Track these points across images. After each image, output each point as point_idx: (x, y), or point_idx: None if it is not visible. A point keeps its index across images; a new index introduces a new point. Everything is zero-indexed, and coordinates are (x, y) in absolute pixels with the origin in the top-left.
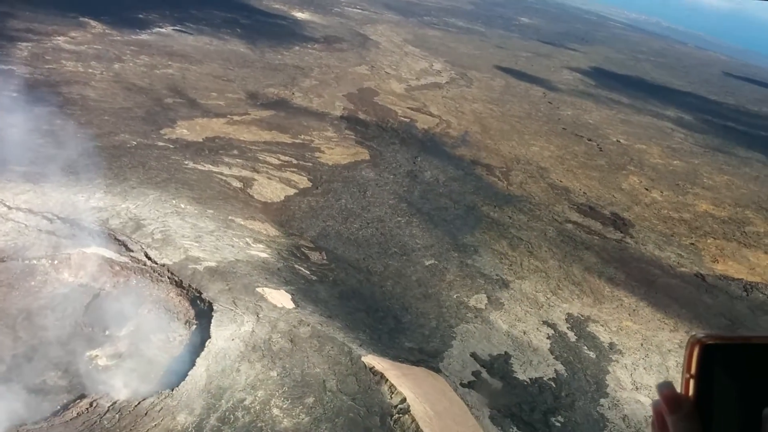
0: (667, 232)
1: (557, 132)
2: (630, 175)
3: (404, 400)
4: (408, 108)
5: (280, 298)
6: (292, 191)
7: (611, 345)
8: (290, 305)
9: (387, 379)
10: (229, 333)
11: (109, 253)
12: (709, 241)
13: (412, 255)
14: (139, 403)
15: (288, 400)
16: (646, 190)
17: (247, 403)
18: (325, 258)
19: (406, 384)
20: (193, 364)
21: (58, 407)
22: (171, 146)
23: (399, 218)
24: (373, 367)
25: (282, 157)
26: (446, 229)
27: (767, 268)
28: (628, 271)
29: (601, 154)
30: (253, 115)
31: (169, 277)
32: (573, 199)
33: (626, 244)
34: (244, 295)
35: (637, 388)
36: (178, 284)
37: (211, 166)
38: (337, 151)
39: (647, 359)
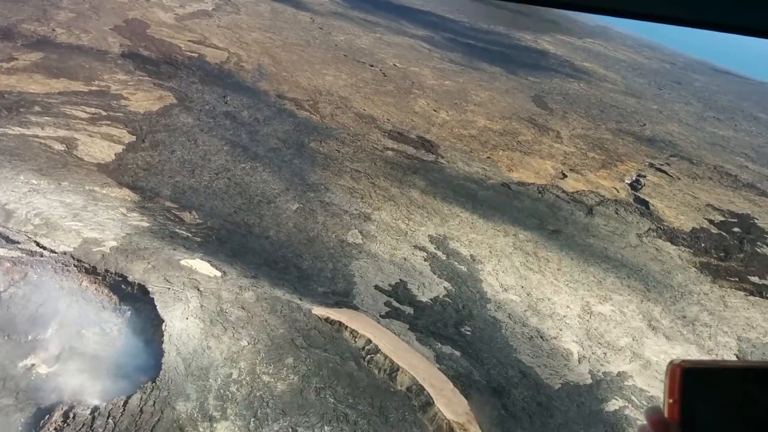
0: (466, 149)
1: (341, 59)
2: (417, 98)
3: (369, 341)
4: (190, 41)
5: (204, 266)
6: (119, 147)
7: (472, 257)
8: (217, 272)
9: (346, 326)
10: (179, 312)
11: None
12: (499, 153)
13: (277, 201)
14: (126, 402)
15: (271, 365)
16: (435, 111)
17: (235, 376)
18: (198, 217)
19: (358, 326)
20: (160, 351)
21: (20, 430)
22: None
23: (242, 164)
24: (328, 317)
25: (88, 110)
26: (291, 171)
27: (547, 170)
28: (453, 188)
29: (387, 79)
30: (23, 59)
31: (76, 266)
32: (381, 127)
33: (441, 164)
34: (171, 270)
35: (506, 290)
36: (91, 271)
37: (21, 128)
38: (140, 97)
39: (501, 263)
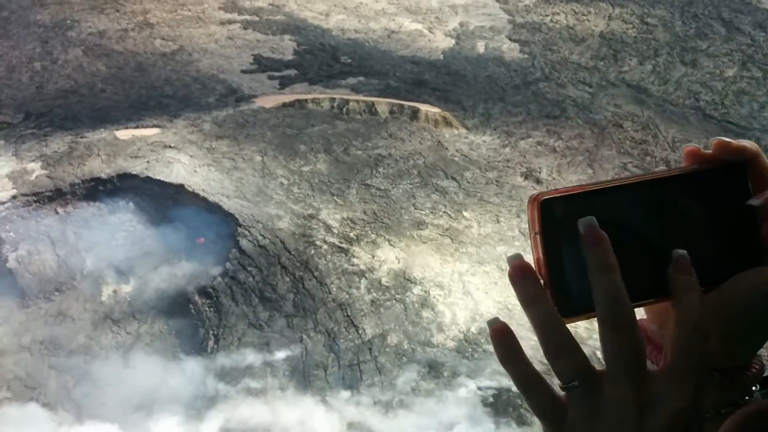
0: None
1: None
2: None
3: (333, 99)
4: None
5: (141, 131)
6: None
7: (271, 4)
8: (157, 129)
9: (306, 99)
10: (183, 171)
11: None
12: None
13: (56, 58)
14: (241, 250)
15: (297, 159)
16: None
17: (286, 182)
18: (17, 112)
19: (312, 95)
20: (214, 207)
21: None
22: None
23: None
24: (282, 102)
25: None
26: (17, 23)
27: None
28: None
29: None
30: None
31: (36, 201)
32: None
33: None
34: (126, 147)
35: (327, 15)
36: (56, 196)
37: None
38: None
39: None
